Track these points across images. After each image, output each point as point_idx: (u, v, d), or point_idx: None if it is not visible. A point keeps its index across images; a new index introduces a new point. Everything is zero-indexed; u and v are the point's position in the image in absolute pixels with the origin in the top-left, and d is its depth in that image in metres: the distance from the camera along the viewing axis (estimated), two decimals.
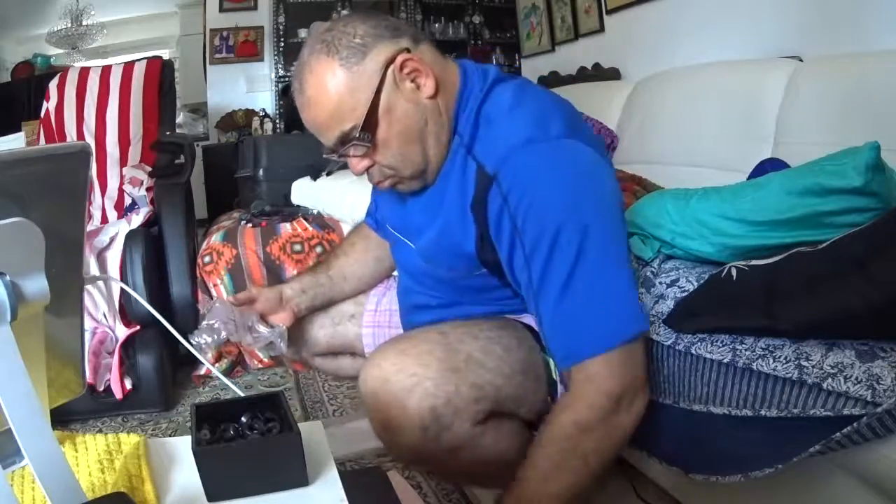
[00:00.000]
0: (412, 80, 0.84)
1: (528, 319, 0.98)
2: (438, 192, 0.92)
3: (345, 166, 0.97)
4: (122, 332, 1.84)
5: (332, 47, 0.82)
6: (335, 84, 0.81)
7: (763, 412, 0.81)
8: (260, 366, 2.08)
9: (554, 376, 0.95)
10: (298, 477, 0.67)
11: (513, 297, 0.98)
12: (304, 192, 2.37)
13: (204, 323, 1.02)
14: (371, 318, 1.25)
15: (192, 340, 1.00)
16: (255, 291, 1.13)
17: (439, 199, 0.91)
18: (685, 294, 0.99)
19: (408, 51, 0.83)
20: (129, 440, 0.77)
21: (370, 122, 0.82)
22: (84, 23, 5.37)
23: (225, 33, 4.61)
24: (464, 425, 0.87)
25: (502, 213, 0.82)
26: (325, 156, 0.91)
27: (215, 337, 1.00)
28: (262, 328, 1.07)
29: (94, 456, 0.74)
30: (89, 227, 2.05)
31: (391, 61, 0.82)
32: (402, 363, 0.86)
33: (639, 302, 0.85)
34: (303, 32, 4.60)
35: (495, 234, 0.85)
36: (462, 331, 0.92)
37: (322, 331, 1.26)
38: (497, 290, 0.98)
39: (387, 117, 0.83)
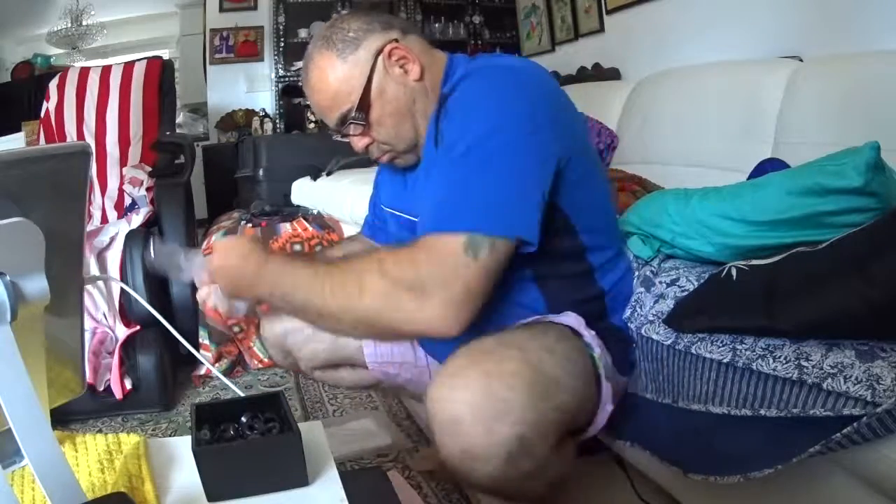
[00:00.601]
0: (400, 66, 0.95)
1: (568, 319, 0.95)
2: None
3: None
4: (122, 332, 1.84)
5: (331, 41, 0.95)
6: (333, 72, 0.94)
7: (763, 412, 0.81)
8: (260, 366, 2.08)
9: (599, 371, 0.93)
10: (298, 477, 0.67)
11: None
12: (304, 192, 2.37)
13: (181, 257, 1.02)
14: None
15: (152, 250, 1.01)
16: None
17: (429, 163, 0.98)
18: (685, 293, 0.99)
19: (396, 41, 0.94)
20: (129, 440, 0.77)
21: (364, 103, 0.94)
22: (84, 23, 5.37)
23: (225, 33, 4.61)
24: (544, 451, 0.83)
25: (451, 122, 0.89)
26: (333, 137, 1.02)
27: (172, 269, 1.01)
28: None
29: (94, 456, 0.74)
30: (89, 227, 2.05)
31: (381, 50, 0.94)
32: (491, 387, 0.79)
33: (517, 214, 0.85)
34: (303, 32, 4.61)
35: (443, 143, 0.90)
36: (537, 345, 0.87)
37: (321, 345, 1.23)
38: None
39: (379, 99, 0.95)
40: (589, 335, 0.95)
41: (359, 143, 0.99)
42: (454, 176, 0.86)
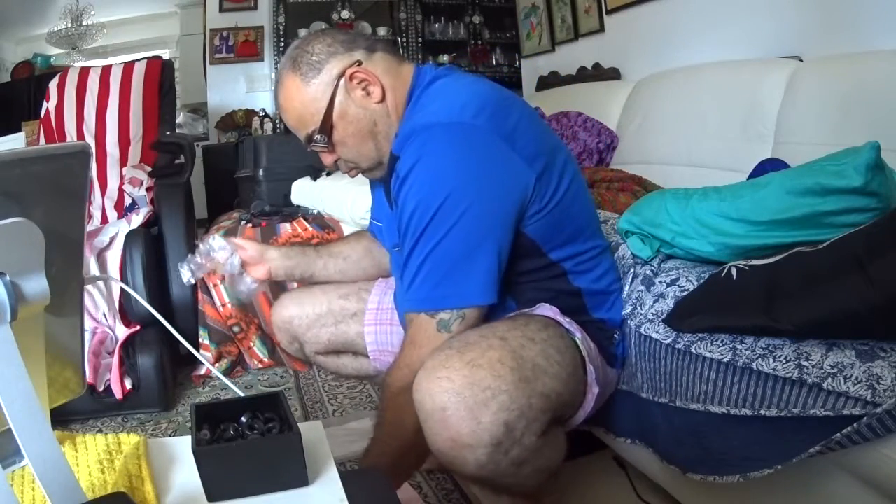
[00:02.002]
0: (362, 89, 0.97)
1: (544, 311, 0.98)
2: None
3: (344, 170, 1.08)
4: (122, 332, 1.84)
5: (296, 64, 0.98)
6: (298, 96, 0.98)
7: (762, 412, 0.81)
8: (260, 366, 2.08)
9: (583, 354, 0.95)
10: (298, 477, 0.67)
11: None
12: (304, 192, 2.37)
13: (197, 256, 1.15)
14: (373, 316, 1.26)
15: (180, 267, 1.12)
16: (243, 242, 1.22)
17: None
18: (685, 293, 0.99)
19: (359, 63, 0.97)
20: (129, 440, 0.77)
21: (326, 126, 0.98)
22: (84, 23, 5.37)
23: (225, 33, 4.61)
24: (532, 438, 0.85)
25: (400, 190, 0.93)
26: (307, 150, 1.05)
27: (199, 269, 1.14)
28: (246, 278, 1.20)
29: (94, 456, 0.74)
30: (89, 227, 2.05)
31: (342, 74, 0.96)
32: (474, 375, 0.82)
33: (479, 281, 0.91)
34: (303, 32, 4.60)
35: (398, 208, 0.95)
36: (518, 334, 0.89)
37: (324, 329, 1.27)
38: None
39: (341, 121, 0.98)
40: (567, 322, 0.97)
41: (326, 159, 1.03)
42: (415, 255, 0.92)
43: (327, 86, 0.96)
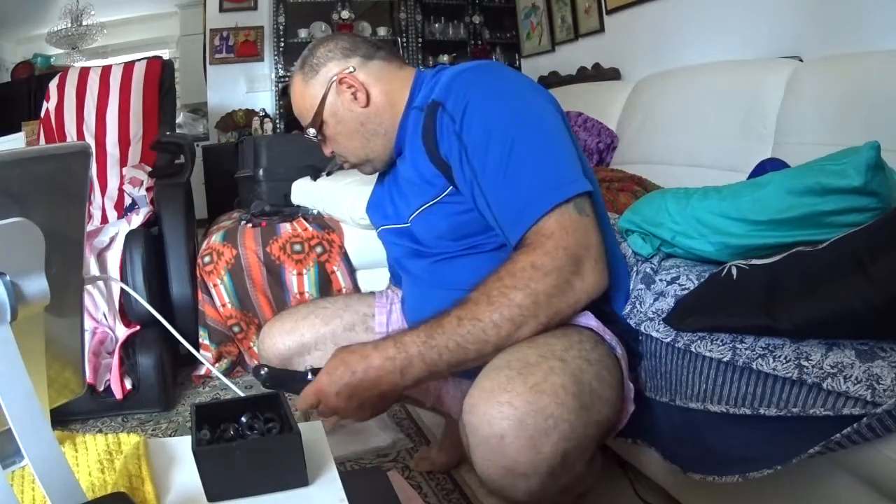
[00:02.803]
0: (351, 93, 1.06)
1: (588, 321, 0.95)
2: (405, 164, 1.08)
3: (339, 163, 1.16)
4: (122, 332, 1.84)
5: (304, 64, 1.09)
6: (300, 91, 1.09)
7: (762, 411, 0.81)
8: None
9: (623, 372, 0.93)
10: (298, 477, 0.67)
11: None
12: (304, 192, 2.37)
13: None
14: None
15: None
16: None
17: (408, 166, 1.07)
18: (685, 292, 0.99)
19: (353, 69, 1.05)
20: (129, 440, 0.77)
21: (318, 122, 1.08)
22: (84, 23, 5.37)
23: (225, 33, 4.61)
24: (582, 465, 0.82)
25: (449, 130, 0.95)
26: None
27: None
28: None
29: (94, 456, 0.74)
30: (89, 227, 2.06)
31: (334, 78, 1.05)
32: (538, 402, 0.77)
33: (577, 169, 0.92)
34: (303, 32, 4.61)
35: (447, 150, 0.97)
36: (575, 354, 0.86)
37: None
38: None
39: (332, 119, 1.07)
40: (609, 336, 0.95)
41: (325, 149, 1.14)
42: (519, 160, 0.90)
43: (321, 86, 1.06)
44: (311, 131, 1.09)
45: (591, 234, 0.89)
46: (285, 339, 1.21)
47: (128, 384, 1.75)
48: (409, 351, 0.87)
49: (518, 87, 0.98)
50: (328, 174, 2.34)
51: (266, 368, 0.95)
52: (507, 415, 0.77)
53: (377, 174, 1.20)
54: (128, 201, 2.36)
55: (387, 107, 1.06)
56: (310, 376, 0.94)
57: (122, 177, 2.43)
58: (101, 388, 1.73)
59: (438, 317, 0.88)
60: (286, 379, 0.97)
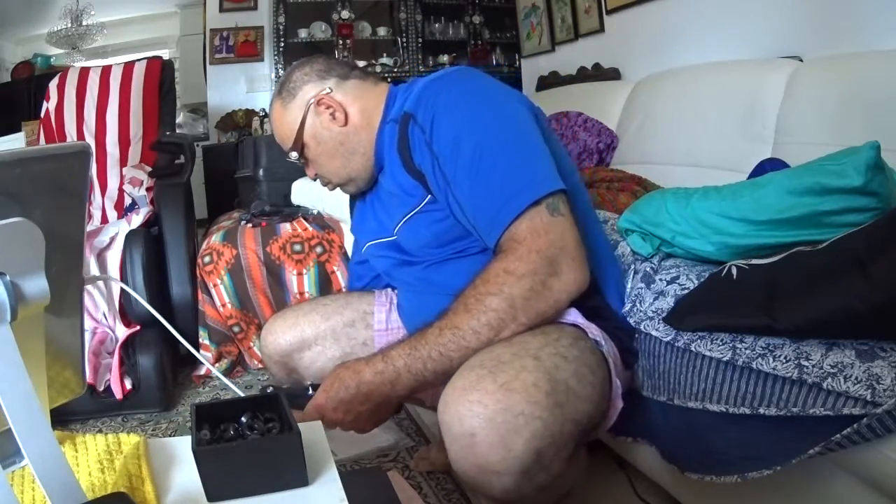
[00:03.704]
0: (330, 114, 1.07)
1: (571, 316, 0.95)
2: (385, 178, 1.10)
3: (323, 184, 1.17)
4: (122, 332, 1.84)
5: (280, 89, 1.11)
6: (280, 117, 1.11)
7: (762, 410, 0.81)
8: (260, 366, 2.08)
9: (609, 367, 0.93)
10: (298, 477, 0.67)
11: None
12: (304, 192, 2.37)
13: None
14: (384, 337, 1.23)
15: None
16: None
17: (388, 179, 1.08)
18: (685, 292, 0.99)
19: (330, 89, 1.07)
20: (129, 440, 0.77)
21: (298, 144, 1.10)
22: (84, 23, 5.36)
23: (225, 33, 4.61)
24: (560, 464, 0.83)
25: (420, 140, 0.96)
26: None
27: None
28: None
29: (94, 456, 0.74)
30: (89, 227, 2.05)
31: (311, 100, 1.07)
32: (509, 400, 0.78)
33: (549, 168, 0.92)
34: (303, 32, 4.61)
35: (420, 160, 0.98)
36: (551, 351, 0.86)
37: (330, 363, 1.19)
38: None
39: (312, 141, 1.10)
40: (595, 330, 0.94)
41: (308, 172, 1.15)
42: (487, 166, 0.90)
43: (300, 109, 1.08)
44: (294, 154, 1.11)
45: (566, 233, 0.89)
46: (286, 335, 1.23)
47: (128, 384, 1.74)
48: (395, 364, 0.90)
49: (486, 92, 0.98)
50: None
51: (270, 388, 1.02)
52: (478, 413, 0.78)
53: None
54: (128, 201, 2.36)
55: (364, 124, 1.08)
56: (310, 391, 0.99)
57: (122, 177, 2.42)
58: (101, 388, 1.73)
59: (423, 329, 0.91)
60: (289, 395, 0.99)
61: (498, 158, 0.90)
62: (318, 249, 2.04)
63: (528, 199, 0.88)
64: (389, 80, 1.23)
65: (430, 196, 1.00)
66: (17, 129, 2.81)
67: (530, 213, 0.88)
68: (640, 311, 1.02)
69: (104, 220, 2.36)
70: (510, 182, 0.89)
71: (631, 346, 1.02)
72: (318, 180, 1.17)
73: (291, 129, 1.10)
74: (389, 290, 1.28)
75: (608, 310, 1.02)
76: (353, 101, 1.08)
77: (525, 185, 0.89)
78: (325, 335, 1.23)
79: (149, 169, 2.36)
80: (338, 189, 1.20)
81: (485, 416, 0.78)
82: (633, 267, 1.11)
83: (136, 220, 2.02)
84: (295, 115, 1.09)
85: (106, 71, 2.60)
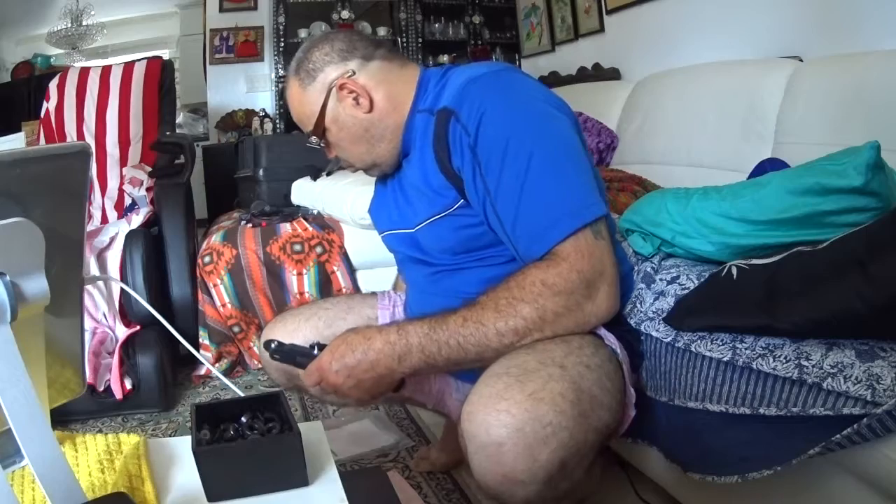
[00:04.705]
0: (353, 99, 1.01)
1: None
2: (413, 169, 1.04)
3: (345, 166, 1.11)
4: (122, 332, 1.84)
5: (298, 69, 1.04)
6: (298, 98, 1.04)
7: (762, 411, 0.81)
8: (260, 366, 2.08)
9: (624, 376, 0.93)
10: (298, 477, 0.67)
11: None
12: (304, 192, 2.37)
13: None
14: None
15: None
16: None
17: (416, 172, 1.03)
18: (685, 292, 0.99)
19: (353, 72, 1.00)
20: (129, 440, 0.77)
21: (319, 128, 1.03)
22: (84, 23, 5.37)
23: (225, 33, 4.61)
24: (580, 473, 0.82)
25: (463, 142, 0.92)
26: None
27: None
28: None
29: (94, 456, 0.74)
30: (89, 227, 2.06)
31: (334, 83, 1.01)
32: (537, 410, 0.77)
33: (595, 191, 0.91)
34: (303, 32, 4.60)
35: (459, 163, 0.94)
36: (575, 360, 0.85)
37: None
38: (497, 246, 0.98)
39: (334, 125, 1.03)
40: (612, 339, 0.94)
41: (329, 154, 1.09)
42: (535, 183, 0.88)
43: (320, 93, 1.01)
44: (314, 139, 1.05)
45: (605, 258, 0.88)
46: (287, 340, 1.20)
47: (128, 384, 1.74)
48: (409, 339, 0.88)
49: (535, 99, 0.94)
50: (328, 174, 2.34)
51: (275, 342, 0.98)
52: (505, 423, 0.77)
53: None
54: (128, 201, 2.36)
55: (390, 110, 1.02)
56: (315, 351, 0.96)
57: (122, 177, 2.43)
58: (101, 388, 1.73)
59: (445, 312, 0.89)
60: (292, 353, 0.99)
61: (547, 174, 0.88)
62: (318, 249, 2.04)
63: (578, 223, 0.87)
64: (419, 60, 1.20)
65: (462, 200, 0.96)
66: (17, 129, 2.80)
67: (577, 234, 0.87)
68: (641, 311, 1.02)
69: (104, 220, 2.36)
70: (559, 201, 0.88)
71: (638, 349, 1.02)
72: (340, 166, 1.12)
73: (311, 113, 1.03)
74: (392, 292, 1.28)
75: (619, 315, 1.02)
76: (378, 85, 1.01)
77: (575, 207, 0.87)
78: (327, 342, 1.20)
79: (149, 169, 2.36)
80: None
81: (513, 425, 0.77)
82: (633, 268, 1.11)
83: (136, 220, 2.02)
84: (314, 98, 1.02)
85: (106, 71, 2.60)
